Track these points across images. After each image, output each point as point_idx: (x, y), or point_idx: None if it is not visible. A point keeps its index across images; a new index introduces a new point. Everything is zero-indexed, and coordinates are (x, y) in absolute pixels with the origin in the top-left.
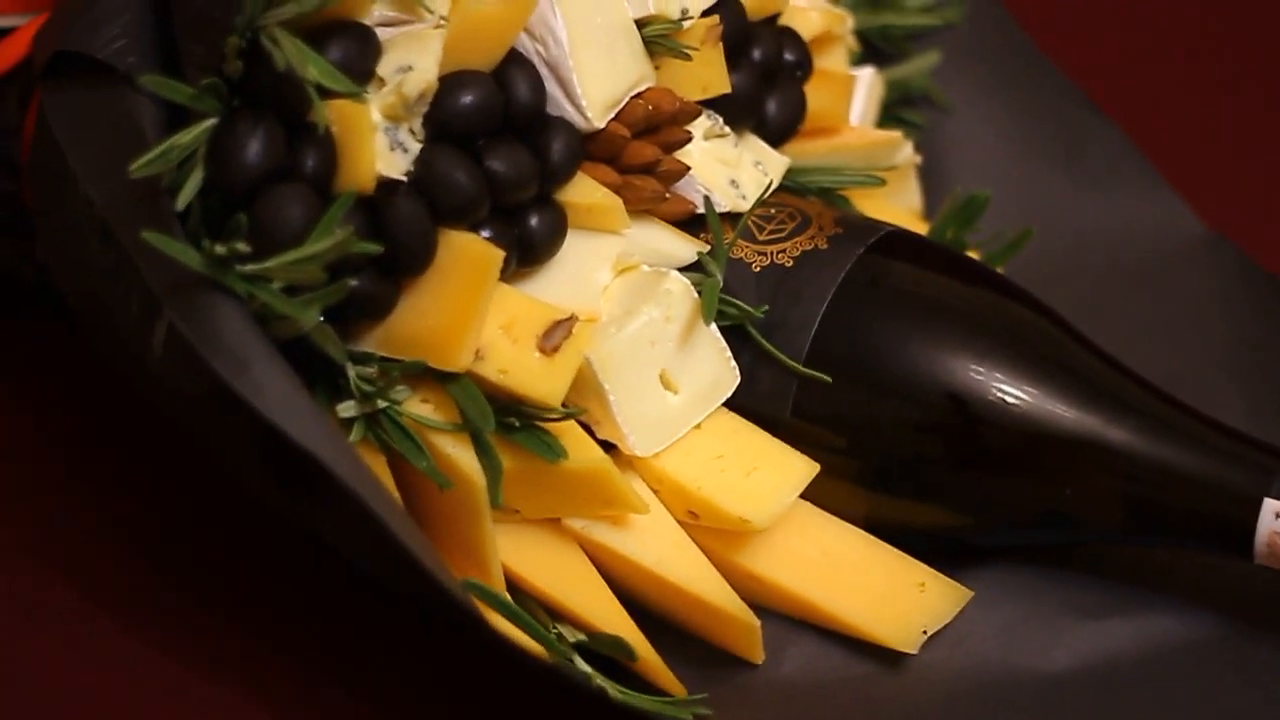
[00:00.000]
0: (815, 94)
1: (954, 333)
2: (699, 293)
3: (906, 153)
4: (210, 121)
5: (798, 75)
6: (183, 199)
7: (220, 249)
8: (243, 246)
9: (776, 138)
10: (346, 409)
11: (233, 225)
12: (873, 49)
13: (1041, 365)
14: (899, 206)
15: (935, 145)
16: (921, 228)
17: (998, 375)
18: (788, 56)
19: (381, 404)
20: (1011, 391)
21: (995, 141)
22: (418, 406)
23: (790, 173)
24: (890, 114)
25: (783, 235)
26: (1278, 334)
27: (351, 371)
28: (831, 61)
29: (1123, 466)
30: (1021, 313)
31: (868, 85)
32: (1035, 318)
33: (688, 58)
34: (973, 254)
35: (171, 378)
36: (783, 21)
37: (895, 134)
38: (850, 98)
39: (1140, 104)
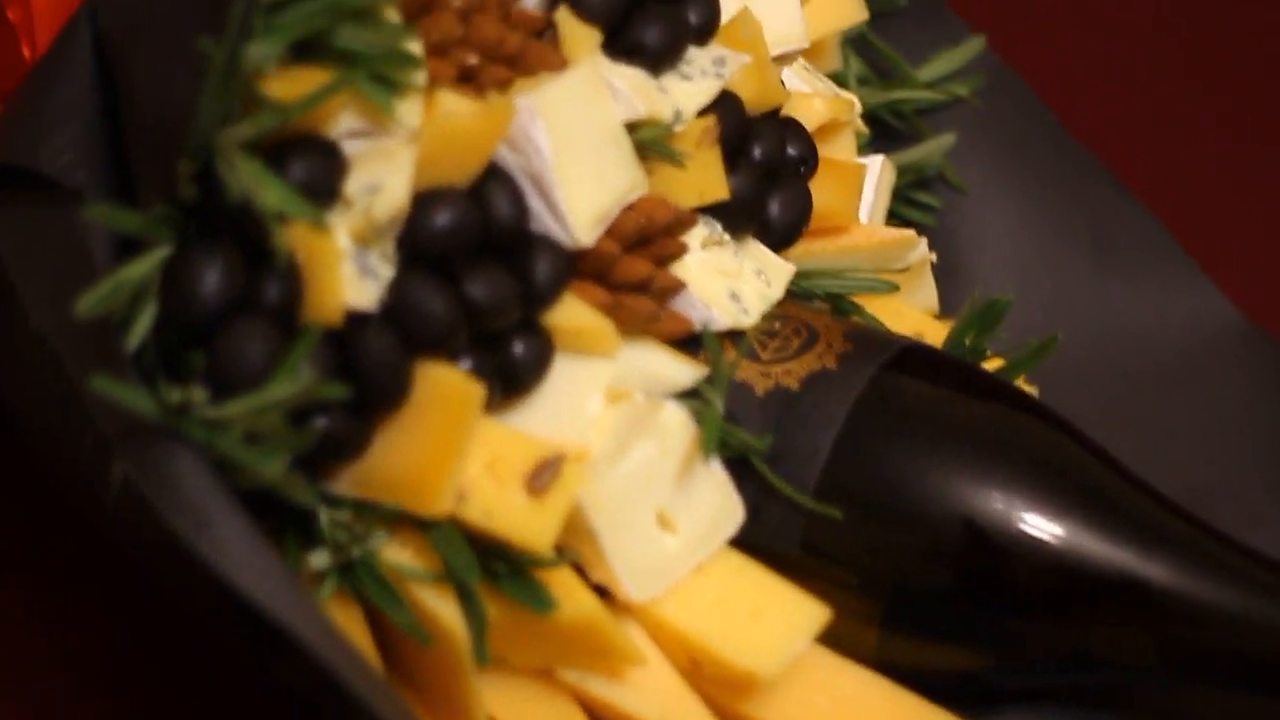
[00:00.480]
0: (821, 189)
1: (973, 461)
2: (698, 423)
3: (920, 251)
4: (163, 251)
5: (802, 171)
6: (134, 337)
7: (174, 394)
8: (197, 392)
9: (780, 241)
10: (318, 559)
11: (189, 365)
12: (884, 128)
13: (1067, 494)
14: (914, 306)
15: (951, 229)
16: (938, 329)
17: (1020, 506)
18: (791, 151)
19: (357, 553)
20: (1035, 524)
21: (1016, 225)
22: (396, 554)
23: (796, 277)
24: (904, 196)
25: (789, 354)
26: None
27: (324, 517)
28: (839, 150)
29: (1157, 604)
30: (1045, 435)
31: (878, 175)
32: (1059, 439)
33: (681, 164)
34: (995, 361)
35: (128, 524)
36: (785, 112)
37: (908, 233)
38: (859, 190)
39: (1171, 183)
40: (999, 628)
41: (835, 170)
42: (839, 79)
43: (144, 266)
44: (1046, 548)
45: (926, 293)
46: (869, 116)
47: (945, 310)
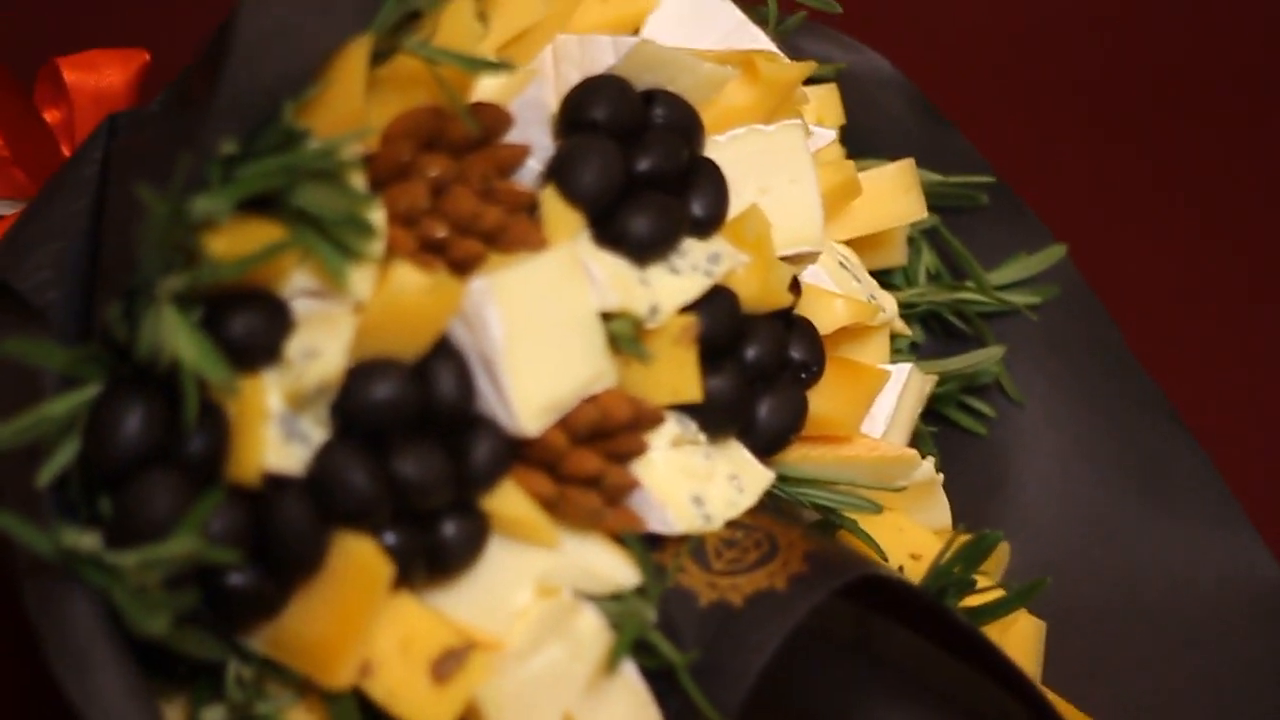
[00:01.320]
0: (826, 395)
1: (904, 708)
2: (619, 629)
3: (924, 470)
4: (91, 390)
5: (803, 377)
6: (45, 474)
7: (70, 538)
8: (92, 539)
9: (766, 447)
10: (214, 714)
11: (97, 510)
12: (946, 328)
13: None
14: (921, 524)
15: (1003, 441)
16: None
17: None
18: (793, 355)
19: (261, 710)
20: None
21: (1068, 447)
22: (300, 717)
23: (782, 482)
24: (957, 401)
25: (741, 567)
26: None
27: (231, 670)
28: (866, 352)
29: None
30: (1004, 703)
31: (902, 384)
32: (1001, 697)
33: (645, 362)
34: (985, 586)
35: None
36: (802, 310)
37: (910, 452)
38: (869, 398)
39: (1228, 423)
40: None
41: (848, 375)
42: (909, 273)
43: (68, 404)
44: None
45: (937, 511)
46: (931, 315)
47: (980, 522)
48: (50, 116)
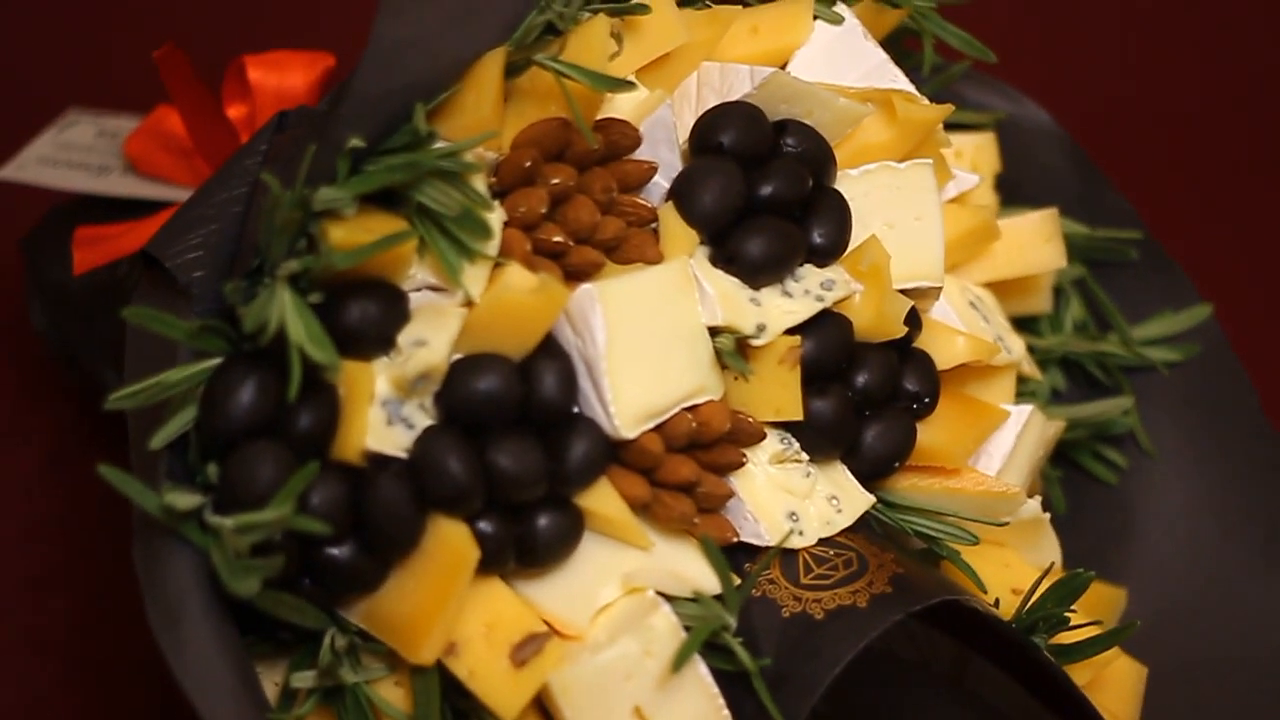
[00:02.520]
0: (939, 427)
1: None
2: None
3: (1030, 508)
4: (211, 362)
5: (915, 408)
6: (159, 439)
7: (174, 498)
8: (190, 501)
9: (870, 471)
10: (303, 679)
11: (205, 474)
12: (1088, 377)
13: None
14: (1030, 562)
15: (1133, 492)
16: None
17: None
18: (907, 386)
19: (351, 679)
20: None
21: (1197, 503)
22: (389, 689)
23: (886, 508)
24: (1089, 449)
25: (827, 583)
26: None
27: (326, 640)
28: (992, 391)
29: None
30: None
31: (1022, 424)
32: None
33: (746, 378)
34: (1081, 624)
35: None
36: (923, 343)
37: (1016, 490)
38: (983, 435)
39: None
40: None
41: (963, 410)
42: (1054, 320)
43: (186, 373)
44: None
45: (1046, 551)
46: (1075, 363)
47: (1102, 567)
48: (233, 112)
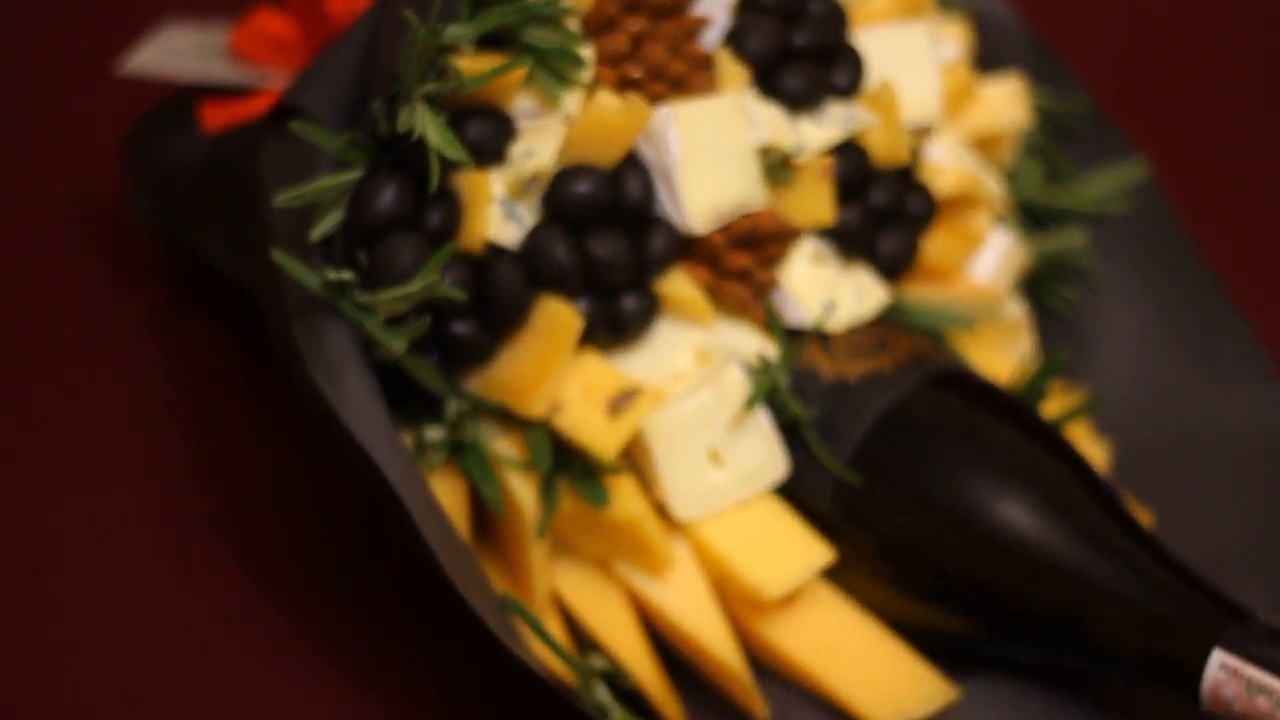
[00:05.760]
0: (936, 244)
1: (979, 468)
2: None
3: (1013, 311)
4: (356, 172)
5: (917, 224)
6: (318, 231)
7: (334, 276)
8: (349, 276)
9: (886, 273)
10: (434, 433)
11: (358, 260)
12: (1041, 223)
13: (1050, 508)
14: (1007, 359)
15: (1085, 321)
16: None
17: (1008, 511)
18: (910, 206)
19: (469, 437)
20: (1017, 524)
21: (1141, 326)
22: (502, 445)
23: (894, 309)
24: (1046, 287)
25: (857, 354)
26: None
27: (450, 404)
28: (970, 220)
29: (1096, 601)
30: (1045, 461)
31: (1001, 249)
32: (1056, 466)
33: (790, 185)
34: (1062, 399)
35: (294, 373)
36: (921, 177)
37: (997, 289)
38: (969, 250)
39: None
40: (976, 602)
41: (953, 230)
42: (1016, 175)
43: (337, 180)
44: (1022, 544)
45: (1026, 346)
46: (1028, 209)
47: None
48: (335, 7)
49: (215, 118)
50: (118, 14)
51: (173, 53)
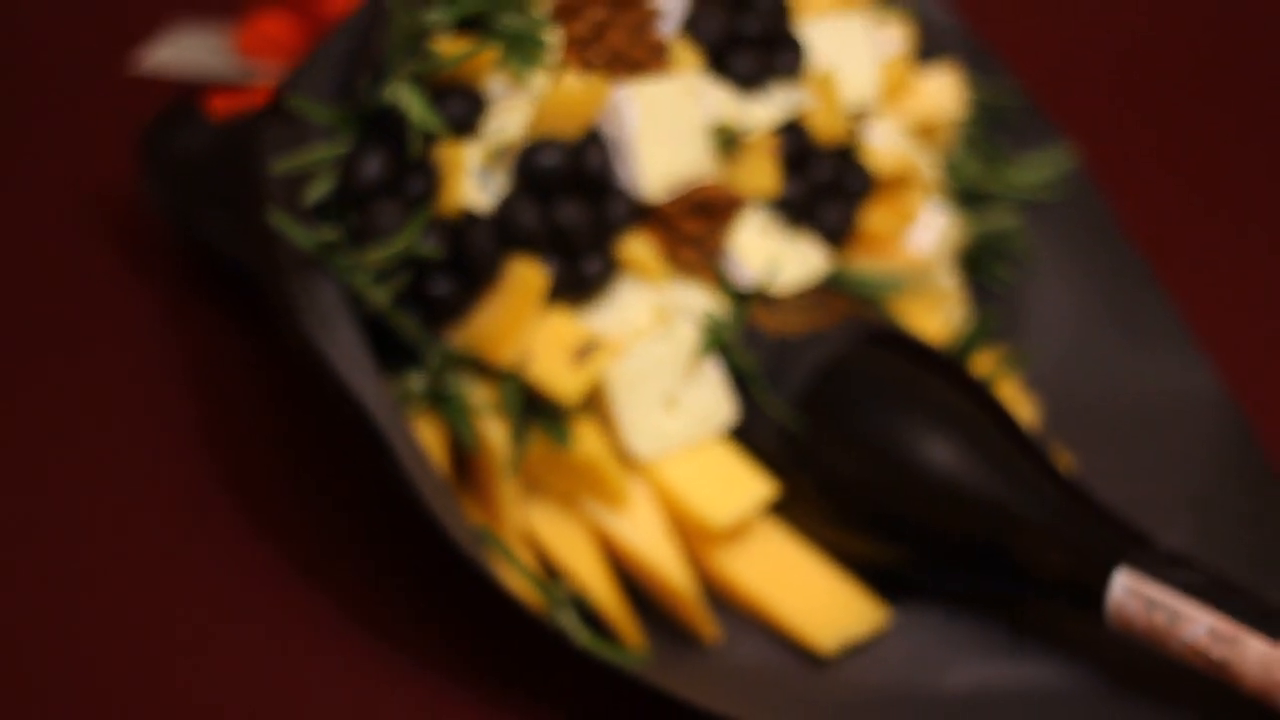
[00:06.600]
0: (874, 218)
1: (909, 413)
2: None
3: (946, 280)
4: (344, 143)
5: (854, 198)
6: (312, 193)
7: (324, 235)
8: (336, 235)
9: (826, 242)
10: (416, 382)
11: (346, 222)
12: (974, 206)
13: (970, 445)
14: (940, 323)
15: (1019, 297)
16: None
17: (936, 452)
18: (849, 182)
19: (449, 386)
20: (944, 466)
21: (1072, 300)
22: (477, 393)
23: (836, 275)
24: (983, 266)
25: (799, 312)
26: (1259, 506)
27: (431, 356)
28: (905, 198)
29: (1015, 531)
30: (969, 408)
31: (936, 225)
32: (979, 412)
33: (739, 160)
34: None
35: (287, 326)
36: (860, 157)
37: (928, 258)
38: (904, 228)
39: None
40: (906, 534)
41: (890, 206)
42: (954, 161)
43: (327, 151)
44: (949, 481)
45: (954, 316)
46: (966, 193)
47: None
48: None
49: (222, 107)
50: (129, 16)
51: (183, 52)
